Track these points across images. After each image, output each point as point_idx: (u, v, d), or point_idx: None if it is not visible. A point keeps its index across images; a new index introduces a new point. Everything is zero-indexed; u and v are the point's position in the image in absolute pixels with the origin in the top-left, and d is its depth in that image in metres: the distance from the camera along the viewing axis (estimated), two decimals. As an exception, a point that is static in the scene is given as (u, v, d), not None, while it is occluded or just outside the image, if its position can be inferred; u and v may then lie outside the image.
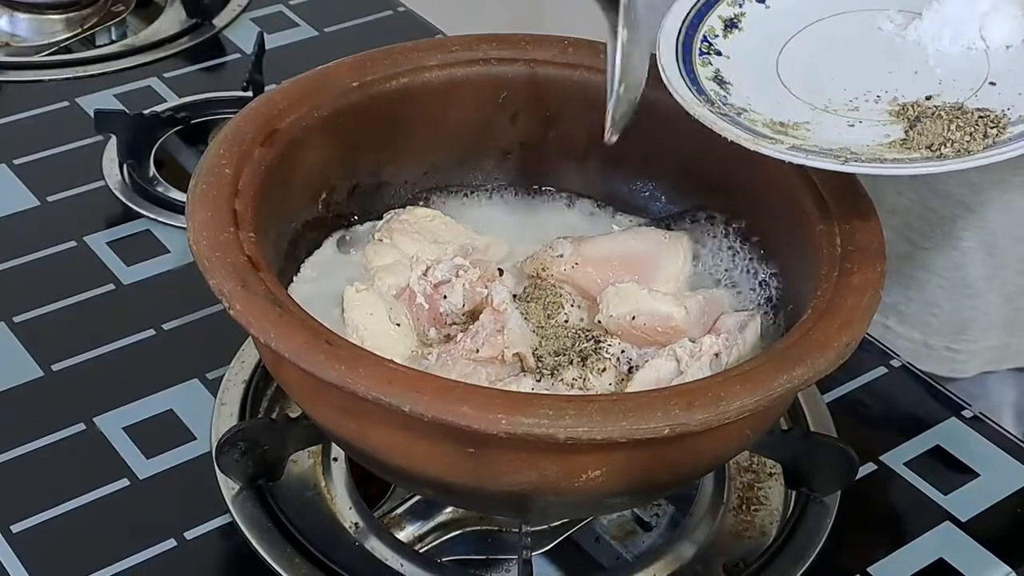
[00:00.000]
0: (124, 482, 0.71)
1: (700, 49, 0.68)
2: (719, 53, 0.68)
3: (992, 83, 0.65)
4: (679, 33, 0.68)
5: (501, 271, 0.69)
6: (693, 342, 0.64)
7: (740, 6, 0.70)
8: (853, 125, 0.65)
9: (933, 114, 0.63)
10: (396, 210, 0.73)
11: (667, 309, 0.66)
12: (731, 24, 0.69)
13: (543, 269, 0.69)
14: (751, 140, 0.62)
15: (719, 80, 0.67)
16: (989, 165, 0.65)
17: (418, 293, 0.67)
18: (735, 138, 0.62)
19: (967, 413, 0.78)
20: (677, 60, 0.67)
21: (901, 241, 0.88)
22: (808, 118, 0.65)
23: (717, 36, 0.69)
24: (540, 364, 0.64)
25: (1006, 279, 0.90)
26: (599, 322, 0.66)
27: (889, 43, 0.69)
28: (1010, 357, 0.93)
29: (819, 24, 0.70)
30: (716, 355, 0.63)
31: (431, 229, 0.71)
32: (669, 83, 0.65)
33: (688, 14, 0.69)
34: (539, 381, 0.63)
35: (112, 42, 1.10)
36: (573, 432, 0.53)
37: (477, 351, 0.63)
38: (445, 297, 0.67)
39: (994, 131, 0.61)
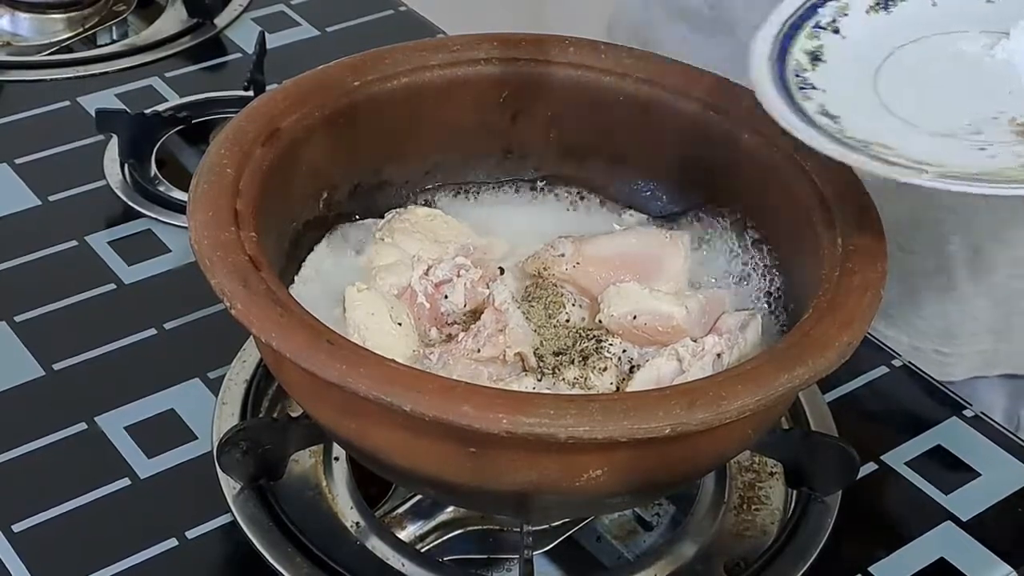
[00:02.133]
0: (125, 481, 0.71)
1: (797, 84, 0.66)
2: (814, 87, 0.66)
3: None
4: (771, 73, 0.66)
5: (502, 270, 0.69)
6: (695, 342, 0.64)
7: (817, 38, 0.69)
8: (984, 148, 0.63)
9: None
10: (397, 210, 0.73)
11: (668, 309, 0.66)
12: (815, 57, 0.68)
13: (544, 268, 0.69)
14: (901, 173, 0.60)
15: (826, 114, 0.65)
16: None
17: (419, 292, 0.67)
18: (887, 174, 0.60)
19: (968, 413, 0.78)
20: (784, 101, 0.64)
21: (889, 246, 0.88)
22: (935, 146, 0.63)
23: (807, 71, 0.67)
24: (542, 363, 0.64)
25: (993, 284, 0.90)
26: (600, 322, 0.66)
27: (977, 64, 0.68)
28: (1000, 362, 0.93)
29: (902, 51, 0.69)
30: (718, 355, 0.63)
31: (432, 228, 0.71)
32: (792, 129, 0.63)
33: (772, 52, 0.67)
34: (540, 380, 0.63)
35: (113, 42, 1.10)
36: (574, 431, 0.53)
37: (478, 351, 0.63)
38: (446, 297, 0.66)
39: None
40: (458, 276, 0.67)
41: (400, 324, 0.65)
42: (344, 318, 0.65)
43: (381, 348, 0.61)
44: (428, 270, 0.67)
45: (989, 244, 0.88)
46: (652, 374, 0.63)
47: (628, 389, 0.63)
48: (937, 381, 0.81)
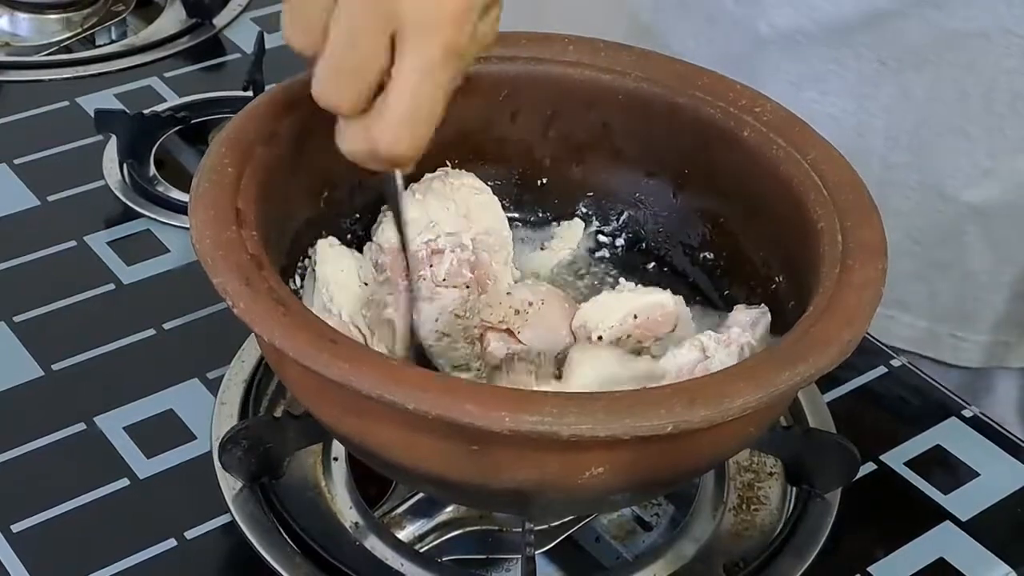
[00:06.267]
0: (124, 482, 0.70)
1: None
2: None
3: None
4: None
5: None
6: (720, 333, 0.64)
7: None
8: None
9: None
10: (446, 169, 0.72)
11: (657, 297, 0.66)
12: None
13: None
14: None
15: None
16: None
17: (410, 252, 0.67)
18: None
19: (967, 413, 0.78)
20: None
21: (905, 240, 0.88)
22: None
23: None
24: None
25: (1014, 277, 0.89)
26: (591, 339, 0.66)
27: None
28: (1020, 355, 0.93)
29: None
30: (742, 347, 0.63)
31: (468, 203, 0.71)
32: None
33: None
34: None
35: (112, 42, 1.10)
36: (576, 429, 0.53)
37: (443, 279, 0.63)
38: (431, 266, 0.67)
39: None
40: (452, 251, 0.67)
41: (366, 284, 0.65)
42: (314, 271, 0.65)
43: (343, 304, 0.62)
44: (436, 239, 0.67)
45: (1009, 238, 0.88)
46: (673, 363, 0.63)
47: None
48: (937, 382, 0.81)
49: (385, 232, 0.69)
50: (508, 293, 0.67)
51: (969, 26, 0.82)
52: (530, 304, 0.66)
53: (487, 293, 0.66)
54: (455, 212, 0.70)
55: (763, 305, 0.68)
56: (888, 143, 0.87)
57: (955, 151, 0.86)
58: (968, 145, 0.85)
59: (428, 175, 0.72)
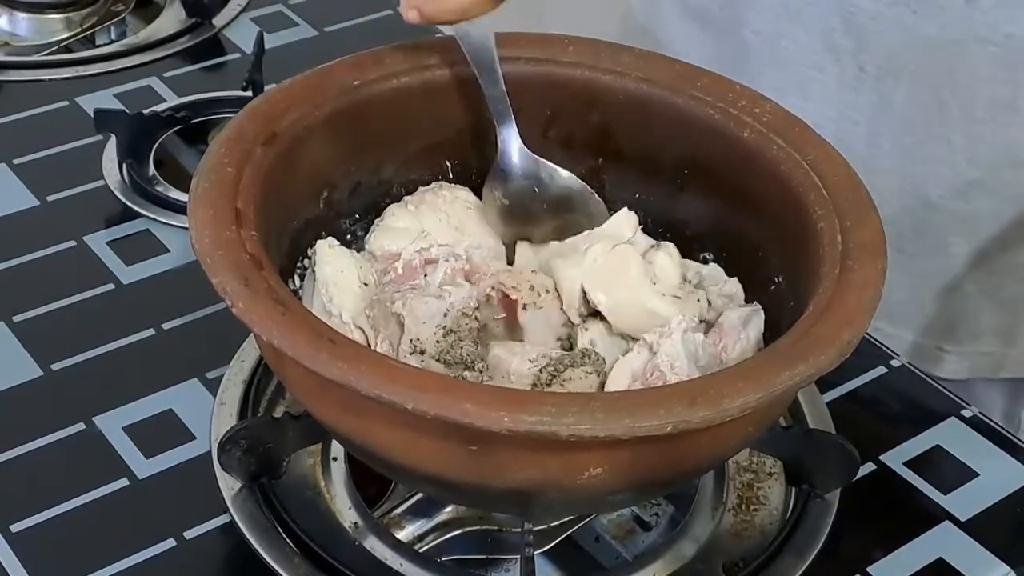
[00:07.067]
0: (124, 482, 0.70)
1: None
2: None
3: None
4: None
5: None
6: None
7: None
8: None
9: None
10: (440, 183, 0.73)
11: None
12: None
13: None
14: None
15: None
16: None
17: (403, 260, 0.67)
18: None
19: (967, 413, 0.78)
20: None
21: (890, 248, 0.88)
22: None
23: None
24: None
25: (999, 287, 0.89)
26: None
27: None
28: (1007, 366, 0.92)
29: None
30: (686, 331, 0.63)
31: (460, 216, 0.71)
32: None
33: None
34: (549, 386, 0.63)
35: (112, 41, 1.10)
36: (576, 429, 0.52)
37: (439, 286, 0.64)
38: (425, 275, 0.67)
39: None
40: (446, 261, 0.67)
41: (366, 284, 0.65)
42: (314, 272, 0.66)
43: (344, 306, 0.63)
44: (428, 248, 0.68)
45: (994, 249, 0.88)
46: (625, 370, 0.63)
47: (607, 388, 0.63)
48: (934, 379, 0.81)
49: (378, 240, 0.70)
50: (533, 271, 0.68)
51: (944, 33, 0.82)
52: (547, 291, 0.66)
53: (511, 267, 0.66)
54: (447, 224, 0.70)
55: (755, 303, 0.68)
56: (871, 150, 0.87)
57: (937, 159, 0.86)
58: (949, 153, 0.85)
59: (422, 188, 0.73)
